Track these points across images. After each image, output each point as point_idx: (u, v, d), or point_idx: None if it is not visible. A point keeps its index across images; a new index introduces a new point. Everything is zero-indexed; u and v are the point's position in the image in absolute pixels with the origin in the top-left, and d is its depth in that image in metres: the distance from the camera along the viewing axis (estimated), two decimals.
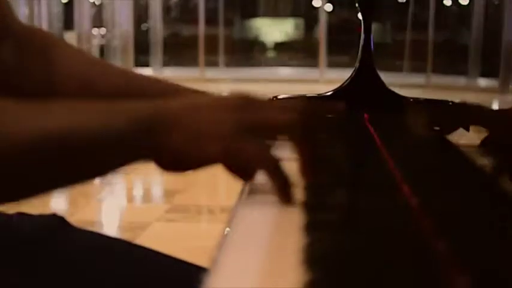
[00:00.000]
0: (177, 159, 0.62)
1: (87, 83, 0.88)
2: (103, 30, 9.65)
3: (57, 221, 0.91)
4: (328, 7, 9.35)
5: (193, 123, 0.62)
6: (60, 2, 9.16)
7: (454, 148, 0.90)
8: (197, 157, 0.62)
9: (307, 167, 0.67)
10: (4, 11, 0.88)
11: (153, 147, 0.61)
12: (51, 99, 0.60)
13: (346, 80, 1.21)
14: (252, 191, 0.67)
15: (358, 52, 1.21)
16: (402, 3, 9.50)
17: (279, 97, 1.19)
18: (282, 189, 0.63)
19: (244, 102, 0.65)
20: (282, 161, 0.64)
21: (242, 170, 0.65)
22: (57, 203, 3.88)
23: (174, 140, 0.61)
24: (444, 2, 9.19)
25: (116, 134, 0.60)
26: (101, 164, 0.61)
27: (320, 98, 1.22)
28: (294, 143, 0.67)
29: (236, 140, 0.62)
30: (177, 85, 0.91)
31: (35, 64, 0.88)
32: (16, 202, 0.60)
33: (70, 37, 9.11)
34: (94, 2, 9.40)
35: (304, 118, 0.67)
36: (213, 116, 0.62)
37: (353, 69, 1.22)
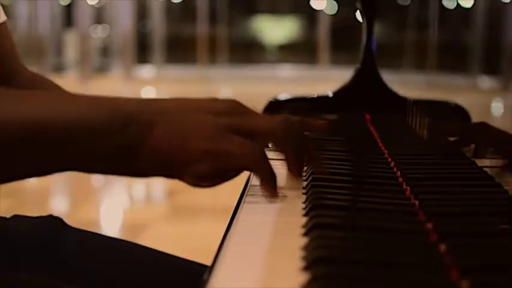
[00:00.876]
0: (157, 159, 0.61)
1: None
2: (103, 30, 9.66)
3: (54, 222, 0.91)
4: (333, 6, 9.35)
5: (177, 122, 0.61)
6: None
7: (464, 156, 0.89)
8: (178, 157, 0.61)
9: (294, 169, 0.67)
10: (9, 63, 0.89)
11: (134, 141, 0.60)
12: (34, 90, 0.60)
13: (348, 81, 1.21)
14: (253, 191, 0.67)
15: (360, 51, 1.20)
16: (405, 5, 9.51)
17: (278, 98, 1.19)
18: (267, 183, 0.63)
19: (231, 107, 0.65)
20: (266, 157, 0.63)
21: (226, 171, 0.64)
22: (57, 203, 3.89)
23: (156, 136, 0.60)
24: (447, 4, 9.19)
25: (95, 123, 0.59)
26: (79, 155, 0.60)
27: (321, 98, 1.22)
28: (278, 148, 0.67)
29: (220, 141, 0.61)
30: None
31: None
32: None
33: (71, 37, 9.12)
34: (94, 5, 9.41)
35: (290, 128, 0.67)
36: (198, 117, 0.62)
37: (355, 68, 1.21)
